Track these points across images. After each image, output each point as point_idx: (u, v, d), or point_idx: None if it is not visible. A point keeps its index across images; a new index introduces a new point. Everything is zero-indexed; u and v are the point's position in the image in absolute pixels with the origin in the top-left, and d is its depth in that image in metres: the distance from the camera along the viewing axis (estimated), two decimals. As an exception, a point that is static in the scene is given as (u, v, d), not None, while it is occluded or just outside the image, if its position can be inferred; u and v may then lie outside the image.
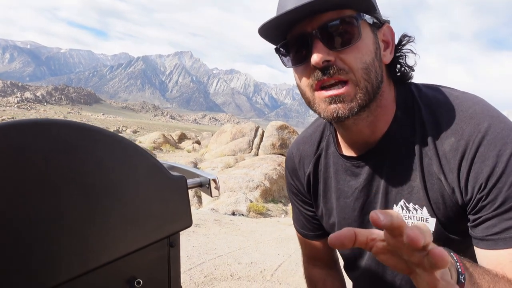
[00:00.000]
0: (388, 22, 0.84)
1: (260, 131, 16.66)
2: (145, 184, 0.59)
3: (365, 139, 0.89)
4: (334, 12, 0.76)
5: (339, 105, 0.79)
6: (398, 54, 0.86)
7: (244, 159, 14.16)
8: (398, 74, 0.86)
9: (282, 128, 16.49)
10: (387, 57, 0.84)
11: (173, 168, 0.86)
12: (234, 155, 14.89)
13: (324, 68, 0.78)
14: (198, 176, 0.76)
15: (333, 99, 0.79)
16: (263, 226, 7.70)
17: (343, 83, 0.78)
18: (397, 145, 0.85)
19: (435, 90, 0.85)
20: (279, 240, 6.61)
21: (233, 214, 8.56)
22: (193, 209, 8.90)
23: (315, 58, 0.76)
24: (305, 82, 0.82)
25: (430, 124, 0.81)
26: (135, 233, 0.57)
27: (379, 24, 0.82)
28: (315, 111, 0.84)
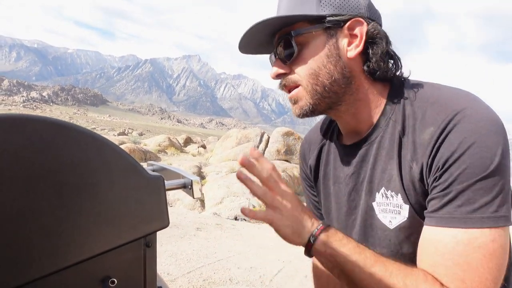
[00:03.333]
0: (360, 15, 0.89)
1: (265, 137, 16.67)
2: (121, 183, 0.58)
3: (354, 129, 0.99)
4: (287, 28, 0.90)
5: (294, 105, 0.95)
6: (369, 50, 0.91)
7: (248, 164, 14.09)
8: (374, 68, 0.91)
9: (287, 134, 16.48)
10: (352, 51, 0.89)
11: (161, 169, 0.87)
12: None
13: (282, 80, 0.95)
14: (182, 177, 0.76)
15: (291, 100, 0.95)
16: (265, 231, 7.70)
17: (297, 86, 0.93)
18: (382, 136, 0.92)
19: (425, 86, 0.91)
20: (280, 246, 6.61)
21: (236, 219, 8.57)
22: (196, 213, 8.93)
23: (270, 73, 0.95)
24: None
25: (414, 116, 0.86)
26: (110, 232, 0.56)
27: (341, 22, 0.88)
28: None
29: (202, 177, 12.59)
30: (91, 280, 0.57)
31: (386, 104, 0.94)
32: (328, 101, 0.92)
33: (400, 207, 0.87)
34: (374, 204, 0.93)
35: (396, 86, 0.94)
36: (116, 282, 0.58)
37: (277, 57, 0.93)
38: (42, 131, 0.53)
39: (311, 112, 0.94)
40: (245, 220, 8.60)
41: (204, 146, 26.47)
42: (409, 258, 0.86)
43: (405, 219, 0.86)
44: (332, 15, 0.88)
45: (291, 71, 0.92)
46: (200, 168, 13.57)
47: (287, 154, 15.61)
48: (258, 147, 16.05)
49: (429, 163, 0.80)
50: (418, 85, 0.93)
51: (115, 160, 0.58)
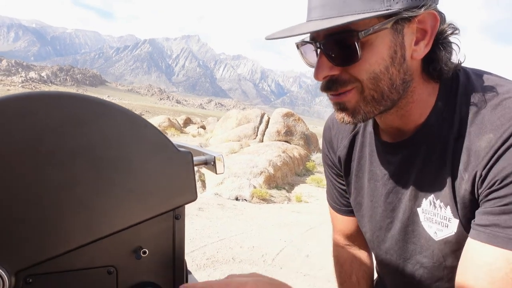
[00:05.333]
0: (432, 7, 0.73)
1: (265, 118, 16.61)
2: (152, 158, 0.60)
3: (399, 128, 0.87)
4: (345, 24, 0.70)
5: (344, 114, 0.79)
6: (437, 48, 0.77)
7: (249, 145, 14.16)
8: (436, 69, 0.79)
9: (287, 115, 16.42)
10: (420, 51, 0.75)
11: (179, 146, 0.87)
12: (239, 141, 14.89)
13: (328, 82, 0.77)
14: (203, 154, 0.76)
15: (337, 105, 0.79)
16: (266, 212, 7.76)
17: (349, 90, 0.76)
18: (432, 139, 0.81)
19: (485, 81, 0.79)
20: (281, 226, 6.67)
21: (237, 199, 8.61)
22: (198, 193, 8.96)
23: (314, 74, 0.76)
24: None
25: (471, 119, 0.75)
26: (142, 205, 0.59)
27: (410, 17, 0.72)
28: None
29: (202, 157, 12.51)
30: (125, 250, 0.59)
31: (437, 102, 0.81)
32: (382, 108, 0.79)
33: (449, 220, 0.79)
34: (419, 210, 0.86)
35: (447, 80, 0.81)
36: (147, 252, 0.60)
37: (326, 55, 0.75)
38: (78, 108, 0.55)
39: (363, 120, 0.79)
40: (246, 200, 8.65)
41: (203, 127, 26.46)
42: (452, 271, 0.81)
43: (453, 233, 0.79)
44: (406, 9, 0.71)
45: (344, 73, 0.75)
46: (200, 149, 13.52)
47: (287, 135, 15.59)
48: (258, 128, 16.02)
49: (483, 174, 0.71)
50: (474, 78, 0.80)
51: (146, 135, 0.60)
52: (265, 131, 15.81)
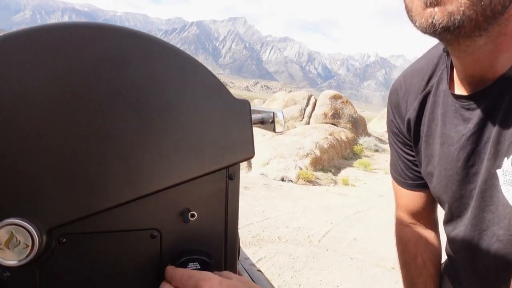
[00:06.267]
0: None
1: (312, 100, 16.34)
2: (204, 106, 0.52)
3: (481, 73, 0.74)
4: None
5: (436, 9, 0.62)
6: None
7: (295, 127, 14.04)
8: None
9: (335, 97, 16.05)
10: None
11: None
12: (285, 123, 14.77)
13: None
14: (259, 112, 0.68)
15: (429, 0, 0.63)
16: (312, 193, 7.66)
17: None
18: None
19: None
20: (327, 208, 6.55)
21: (282, 180, 8.59)
22: (243, 173, 9.04)
23: None
24: None
25: None
26: (191, 160, 0.51)
27: None
28: (411, 21, 0.70)
29: (248, 138, 12.61)
30: (171, 212, 0.52)
31: None
32: (481, 19, 0.63)
33: None
34: (499, 172, 0.75)
35: None
36: (196, 216, 0.53)
37: None
38: (121, 42, 0.48)
39: (457, 26, 0.63)
40: (292, 181, 8.60)
41: (249, 109, 26.48)
42: None
43: None
44: None
45: None
46: (246, 129, 13.61)
47: (335, 117, 15.26)
48: (305, 110, 15.79)
49: None
50: None
51: (199, 78, 0.51)
52: (311, 113, 15.56)
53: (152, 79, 0.48)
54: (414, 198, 1.06)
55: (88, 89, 0.46)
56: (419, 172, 1.00)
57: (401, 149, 1.03)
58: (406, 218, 1.11)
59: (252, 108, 0.75)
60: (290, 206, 6.36)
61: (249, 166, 9.62)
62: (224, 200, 0.55)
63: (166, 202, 0.52)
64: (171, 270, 0.50)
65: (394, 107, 1.01)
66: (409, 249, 1.11)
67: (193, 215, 0.52)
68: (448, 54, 0.84)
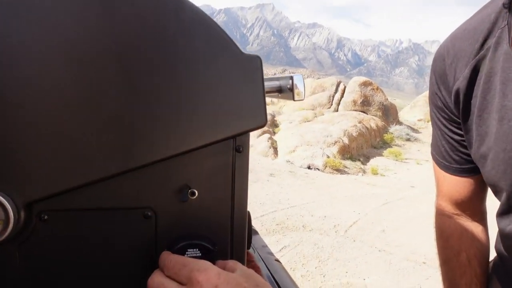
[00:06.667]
0: None
1: (341, 87, 16.01)
2: (206, 61, 0.44)
3: None
4: None
5: None
6: None
7: (323, 114, 13.83)
8: None
9: (365, 84, 15.66)
10: None
11: None
12: (313, 110, 14.58)
13: None
14: (276, 79, 0.60)
15: None
16: (339, 182, 7.48)
17: None
18: None
19: None
20: (355, 198, 6.37)
21: (309, 168, 8.47)
22: (269, 159, 8.95)
23: None
24: None
25: None
26: (189, 127, 0.43)
27: None
28: None
29: (275, 125, 12.57)
30: (167, 188, 0.45)
31: None
32: None
33: None
34: None
35: None
36: (196, 194, 0.45)
37: None
38: None
39: None
40: (318, 169, 8.45)
41: (277, 96, 26.48)
42: None
43: None
44: None
45: None
46: (273, 116, 13.54)
47: (364, 105, 14.92)
48: (333, 97, 15.50)
49: None
50: None
51: (198, 27, 0.44)
52: (340, 100, 15.27)
53: (144, 29, 0.41)
54: (459, 185, 0.92)
55: (74, 48, 0.40)
56: (468, 155, 0.85)
57: (446, 126, 0.88)
58: (449, 208, 0.98)
59: (268, 76, 0.63)
60: (316, 195, 6.22)
61: (275, 153, 9.55)
62: (231, 176, 0.47)
63: (161, 177, 0.45)
64: (165, 256, 0.43)
65: (439, 77, 0.86)
66: (452, 244, 0.97)
67: (193, 193, 0.45)
68: (510, 9, 0.71)
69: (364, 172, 9.21)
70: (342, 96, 15.46)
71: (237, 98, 0.45)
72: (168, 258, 0.43)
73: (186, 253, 0.44)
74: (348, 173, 8.79)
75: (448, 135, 0.89)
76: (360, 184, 7.68)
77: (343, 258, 4.08)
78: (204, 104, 0.44)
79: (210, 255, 0.45)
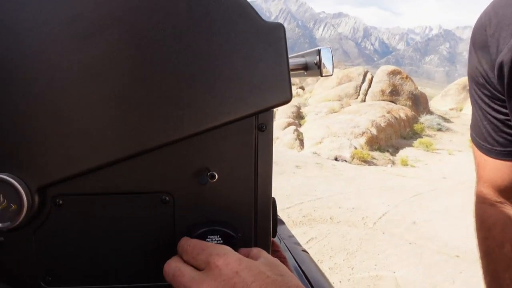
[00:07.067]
0: None
1: (368, 76, 15.65)
2: (225, 32, 0.40)
3: None
4: None
5: None
6: None
7: (350, 105, 13.57)
8: None
9: (394, 73, 15.24)
10: None
11: None
12: (339, 100, 14.33)
13: None
14: (302, 56, 0.55)
15: None
16: (367, 174, 7.33)
17: None
18: None
19: None
20: (384, 190, 6.22)
21: (336, 159, 8.35)
22: (295, 151, 8.88)
23: None
24: None
25: None
26: (208, 104, 0.40)
27: None
28: None
29: (301, 117, 12.46)
30: (185, 171, 0.42)
31: None
32: None
33: None
34: None
35: None
36: (216, 176, 0.42)
37: None
38: None
39: None
40: (346, 161, 8.30)
41: (302, 88, 26.24)
42: None
43: None
44: None
45: None
46: (299, 108, 13.40)
47: (393, 94, 14.53)
48: (360, 87, 15.17)
49: None
50: None
51: None
52: (367, 90, 14.93)
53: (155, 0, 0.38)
54: (503, 170, 0.85)
55: (88, 26, 0.38)
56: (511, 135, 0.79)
57: (488, 105, 0.81)
58: (491, 196, 0.91)
59: (293, 54, 0.59)
60: (343, 186, 6.12)
61: (301, 145, 9.47)
62: (253, 157, 0.43)
63: (179, 160, 0.42)
64: (183, 241, 0.41)
65: (480, 49, 0.78)
66: (494, 235, 0.90)
67: (212, 176, 0.42)
68: None
69: (393, 163, 8.99)
70: (369, 86, 15.11)
71: (259, 71, 0.41)
72: (187, 243, 0.41)
73: (207, 239, 0.42)
74: (377, 165, 8.60)
75: (490, 115, 0.81)
76: (389, 175, 7.50)
77: (372, 251, 4.00)
78: (222, 77, 0.40)
79: (232, 242, 0.42)
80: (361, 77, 15.67)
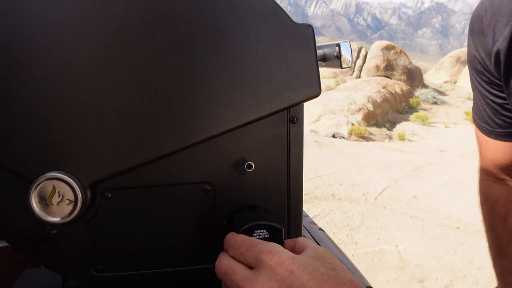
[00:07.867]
0: None
1: (363, 52, 15.53)
2: (258, 33, 0.44)
3: None
4: None
5: None
6: None
7: (346, 82, 13.50)
8: None
9: (388, 48, 15.14)
10: None
11: None
12: (335, 77, 14.26)
13: None
14: (320, 48, 0.57)
15: None
16: (366, 150, 7.36)
17: None
18: None
19: None
20: (383, 165, 6.26)
21: (334, 136, 8.36)
22: (292, 130, 8.93)
23: None
24: None
25: None
26: (244, 100, 0.44)
27: None
28: None
29: (296, 96, 12.43)
30: (224, 163, 0.46)
31: None
32: None
33: None
34: None
35: None
36: (253, 166, 0.46)
37: None
38: None
39: None
40: (344, 138, 8.32)
41: (296, 66, 26.24)
42: None
43: None
44: None
45: None
46: (294, 87, 13.39)
47: (387, 69, 14.48)
48: (355, 63, 15.07)
49: None
50: None
51: (249, 0, 0.43)
52: (362, 66, 14.85)
53: (194, 6, 0.42)
54: (504, 150, 0.90)
55: (129, 27, 0.41)
56: (510, 117, 0.84)
57: (487, 90, 0.86)
58: (494, 173, 0.96)
59: None
60: (343, 163, 6.14)
61: (298, 123, 9.53)
62: (286, 147, 0.48)
63: (219, 152, 0.46)
64: (230, 236, 0.42)
65: (477, 38, 0.83)
66: (498, 210, 0.95)
67: (250, 166, 0.46)
68: None
69: (391, 138, 9.02)
70: (364, 62, 15.03)
71: (291, 69, 0.45)
72: (234, 238, 0.41)
73: (253, 234, 0.43)
74: (374, 140, 8.63)
75: (489, 99, 0.86)
76: (387, 150, 7.53)
77: (374, 226, 4.04)
78: (257, 76, 0.44)
79: (278, 237, 0.43)
80: (355, 53, 15.56)
